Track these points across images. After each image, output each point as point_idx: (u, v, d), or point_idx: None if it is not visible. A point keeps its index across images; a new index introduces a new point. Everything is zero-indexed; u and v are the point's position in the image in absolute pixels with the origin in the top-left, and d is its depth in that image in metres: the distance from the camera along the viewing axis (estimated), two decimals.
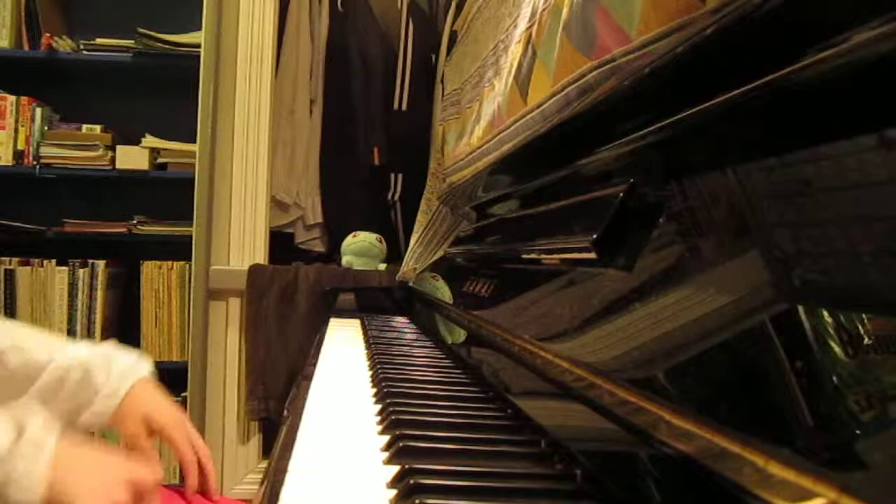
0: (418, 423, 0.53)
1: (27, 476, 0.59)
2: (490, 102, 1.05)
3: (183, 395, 1.93)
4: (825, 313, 0.31)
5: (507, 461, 0.46)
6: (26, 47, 2.30)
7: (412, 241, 1.61)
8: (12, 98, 2.28)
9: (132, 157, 2.28)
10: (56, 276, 2.16)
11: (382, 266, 1.98)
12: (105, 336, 2.15)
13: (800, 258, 0.34)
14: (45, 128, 2.30)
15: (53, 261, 2.17)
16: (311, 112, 2.19)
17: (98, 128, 2.34)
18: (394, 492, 0.40)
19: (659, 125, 0.51)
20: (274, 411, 1.90)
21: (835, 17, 0.34)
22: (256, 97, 1.98)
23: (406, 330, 1.09)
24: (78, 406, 0.80)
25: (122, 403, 0.81)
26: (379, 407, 0.59)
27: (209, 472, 0.82)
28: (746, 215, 0.40)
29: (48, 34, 2.26)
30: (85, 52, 2.29)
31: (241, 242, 1.98)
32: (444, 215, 1.52)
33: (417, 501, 0.37)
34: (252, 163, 1.98)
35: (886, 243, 0.29)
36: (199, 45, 1.98)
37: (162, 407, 0.83)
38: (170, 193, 2.20)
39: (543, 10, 0.79)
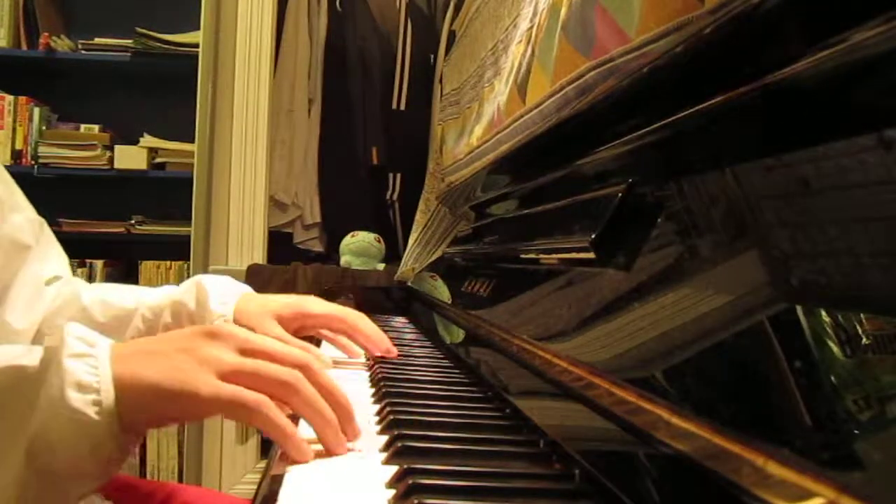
0: (417, 423, 0.53)
1: (88, 374, 0.43)
2: (490, 103, 1.05)
3: None
4: (824, 313, 0.31)
5: (506, 461, 0.46)
6: (24, 47, 2.30)
7: (411, 241, 1.61)
8: (10, 98, 2.27)
9: (130, 157, 2.28)
10: None
11: (381, 266, 1.98)
12: None
13: (798, 258, 0.34)
14: (43, 127, 2.30)
15: None
16: (309, 112, 2.19)
17: (96, 127, 2.34)
18: (393, 492, 0.40)
19: (658, 125, 0.51)
20: None
21: (835, 16, 0.34)
22: (255, 97, 1.98)
23: (405, 330, 1.09)
24: None
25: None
26: (378, 407, 0.59)
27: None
28: (745, 215, 0.40)
29: (46, 34, 2.26)
30: (83, 51, 2.29)
31: (240, 242, 1.97)
32: (442, 215, 1.52)
33: (416, 501, 0.37)
34: (250, 162, 1.98)
35: (886, 243, 0.29)
36: (197, 45, 1.98)
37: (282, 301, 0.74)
38: (168, 193, 2.20)
39: (543, 9, 0.79)
